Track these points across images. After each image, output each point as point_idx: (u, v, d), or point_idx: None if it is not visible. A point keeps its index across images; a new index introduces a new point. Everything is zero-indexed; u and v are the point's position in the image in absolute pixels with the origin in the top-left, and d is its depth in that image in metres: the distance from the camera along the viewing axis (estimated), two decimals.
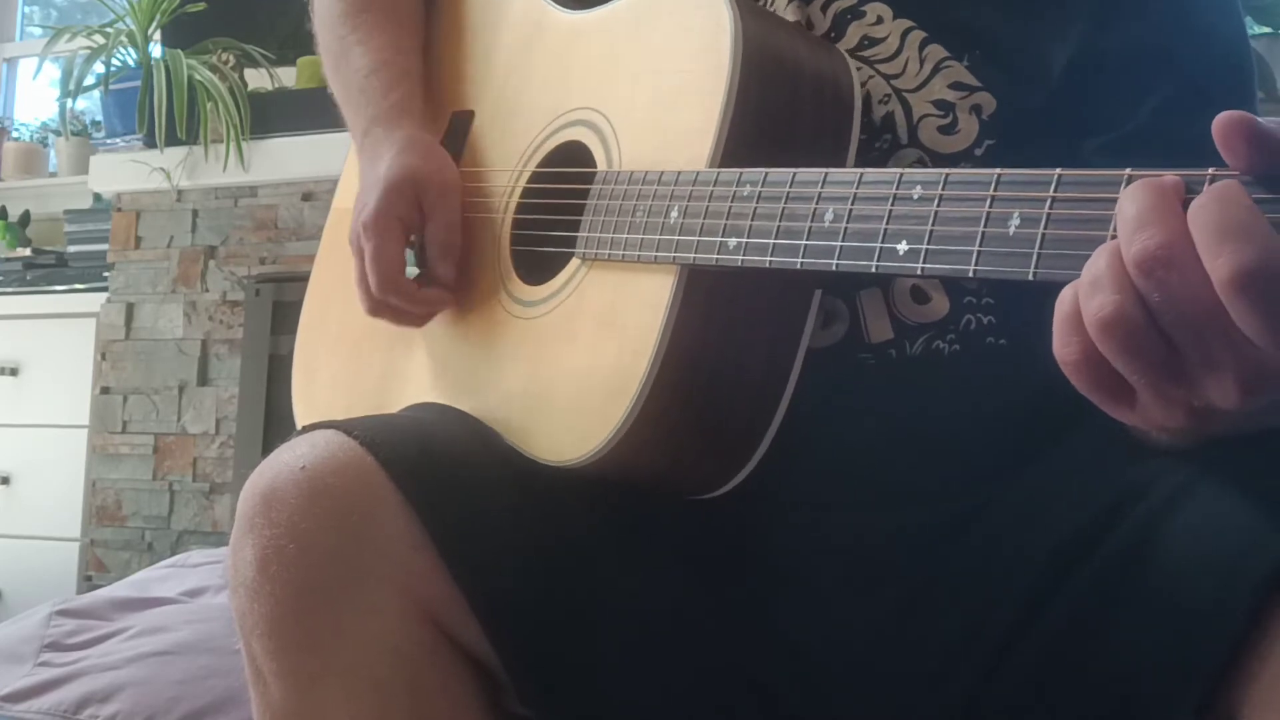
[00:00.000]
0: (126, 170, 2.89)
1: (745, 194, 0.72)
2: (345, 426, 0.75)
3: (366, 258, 0.94)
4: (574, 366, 0.82)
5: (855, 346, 0.82)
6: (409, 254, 1.02)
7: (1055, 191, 0.56)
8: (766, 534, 0.84)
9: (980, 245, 0.58)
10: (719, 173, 0.75)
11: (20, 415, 3.03)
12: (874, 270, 0.64)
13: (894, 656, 0.79)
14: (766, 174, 0.72)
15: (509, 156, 0.96)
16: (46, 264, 3.24)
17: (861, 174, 0.66)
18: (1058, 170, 0.56)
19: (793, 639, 0.81)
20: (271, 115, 2.77)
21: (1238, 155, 0.49)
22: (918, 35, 0.84)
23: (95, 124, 3.33)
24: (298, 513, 0.71)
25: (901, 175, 0.64)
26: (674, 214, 0.76)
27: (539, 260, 0.90)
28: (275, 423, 2.65)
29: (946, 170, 0.62)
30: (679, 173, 0.77)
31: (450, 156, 0.98)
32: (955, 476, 0.81)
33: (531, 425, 0.83)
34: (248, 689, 0.76)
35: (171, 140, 2.79)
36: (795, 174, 0.70)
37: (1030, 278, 0.56)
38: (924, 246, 0.61)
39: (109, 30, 2.91)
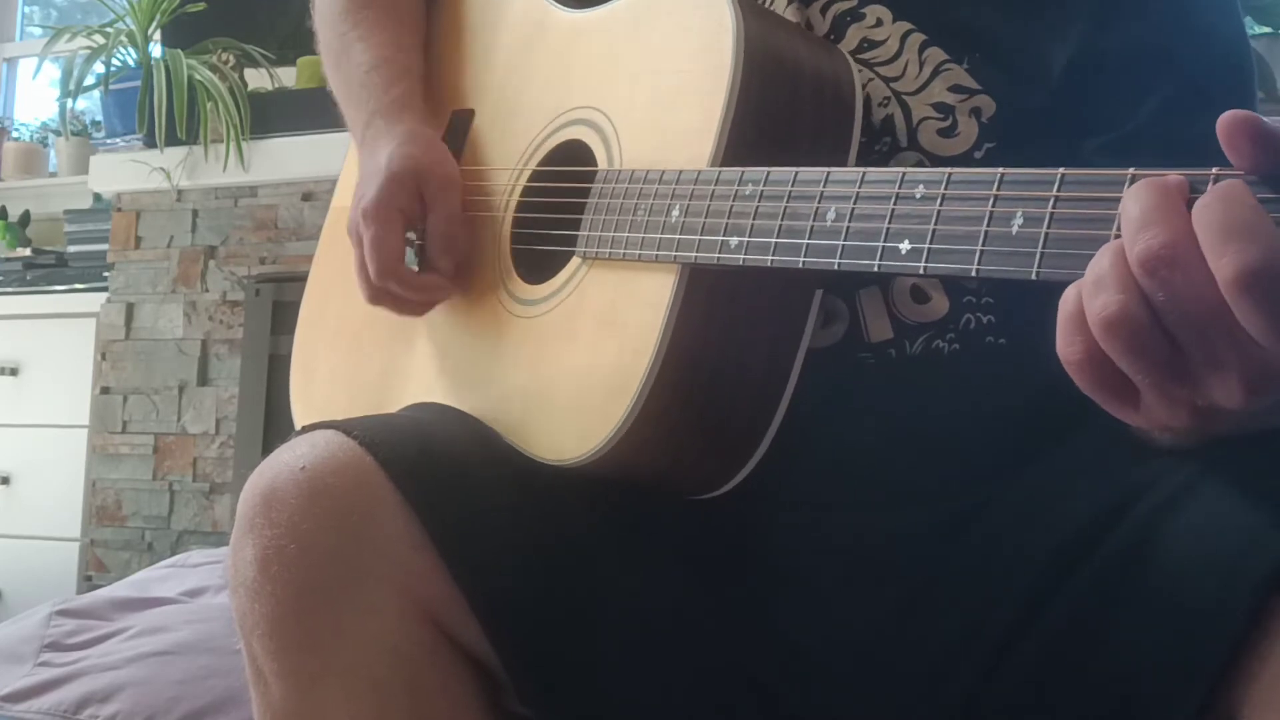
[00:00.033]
0: (126, 170, 2.89)
1: (747, 193, 0.72)
2: (345, 427, 0.75)
3: (366, 244, 0.93)
4: (574, 365, 0.82)
5: (855, 346, 0.82)
6: (409, 253, 1.02)
7: (1058, 191, 0.56)
8: (766, 534, 0.84)
9: (983, 245, 0.58)
10: (721, 172, 0.75)
11: (20, 415, 3.03)
12: (876, 270, 0.64)
13: (894, 656, 0.79)
14: (769, 173, 0.72)
15: (509, 155, 0.96)
16: (46, 264, 3.24)
17: (864, 173, 0.66)
18: (1061, 170, 0.56)
19: (793, 639, 0.81)
20: (271, 115, 2.77)
21: (1242, 155, 0.49)
22: (917, 38, 0.84)
23: (95, 124, 3.33)
24: (298, 513, 0.71)
25: (904, 175, 0.64)
26: (675, 213, 0.76)
27: (539, 259, 0.90)
28: (275, 423, 2.65)
29: (949, 169, 0.62)
30: (680, 172, 0.77)
31: (451, 153, 0.98)
32: (955, 476, 0.81)
33: (532, 424, 0.83)
34: (248, 689, 0.76)
35: (171, 140, 2.79)
36: (797, 173, 0.70)
37: (1033, 277, 0.55)
38: (926, 246, 0.61)
39: (109, 30, 2.91)
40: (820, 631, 0.81)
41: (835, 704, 0.80)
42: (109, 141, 2.99)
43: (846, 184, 0.67)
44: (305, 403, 1.11)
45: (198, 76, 2.72)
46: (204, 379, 2.85)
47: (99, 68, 2.87)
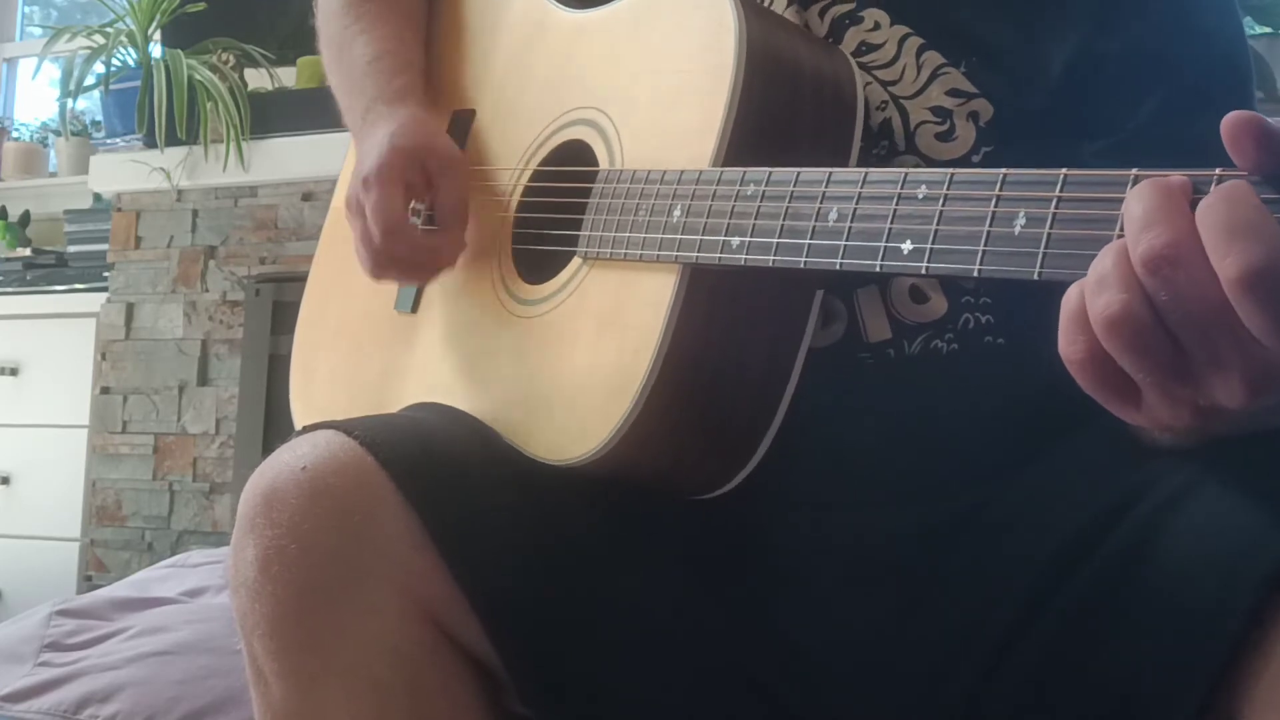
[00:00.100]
0: (126, 170, 2.89)
1: (749, 193, 0.72)
2: (346, 427, 0.75)
3: (369, 209, 0.92)
4: (575, 365, 0.82)
5: (854, 346, 0.82)
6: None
7: (1061, 191, 0.56)
8: (767, 534, 0.84)
9: (985, 245, 0.58)
10: (722, 172, 0.75)
11: (20, 415, 3.03)
12: (878, 270, 0.64)
13: (894, 656, 0.79)
14: (770, 173, 0.72)
15: (510, 155, 0.96)
16: (46, 264, 3.24)
17: (866, 173, 0.66)
18: (1063, 170, 0.56)
19: (793, 638, 0.81)
20: (271, 115, 2.77)
21: (1246, 155, 0.49)
22: (915, 41, 0.84)
23: (95, 124, 3.33)
24: (299, 513, 0.71)
25: (906, 175, 0.64)
26: (677, 213, 0.76)
27: (540, 259, 0.90)
28: (275, 423, 2.65)
29: (951, 170, 0.62)
30: (682, 172, 0.77)
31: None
32: (955, 476, 0.81)
33: (532, 424, 0.83)
34: (248, 689, 0.76)
35: (171, 140, 2.79)
36: (799, 173, 0.70)
37: (1035, 277, 0.56)
38: (928, 246, 0.61)
39: (109, 30, 2.91)
40: (820, 631, 0.81)
41: (835, 704, 0.80)
42: (109, 141, 2.99)
43: (848, 184, 0.67)
44: (305, 403, 1.11)
45: (198, 76, 2.72)
46: (204, 379, 2.85)
47: (99, 68, 2.86)
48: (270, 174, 2.77)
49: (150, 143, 2.84)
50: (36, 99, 3.94)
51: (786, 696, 0.81)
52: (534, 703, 0.75)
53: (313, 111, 2.58)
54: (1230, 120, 0.49)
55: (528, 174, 0.94)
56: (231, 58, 2.82)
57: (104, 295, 2.97)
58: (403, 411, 0.89)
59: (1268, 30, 2.42)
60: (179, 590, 1.55)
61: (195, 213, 2.89)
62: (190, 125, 2.74)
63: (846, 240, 0.66)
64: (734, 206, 0.73)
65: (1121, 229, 0.52)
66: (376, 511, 0.72)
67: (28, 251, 3.33)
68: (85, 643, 1.32)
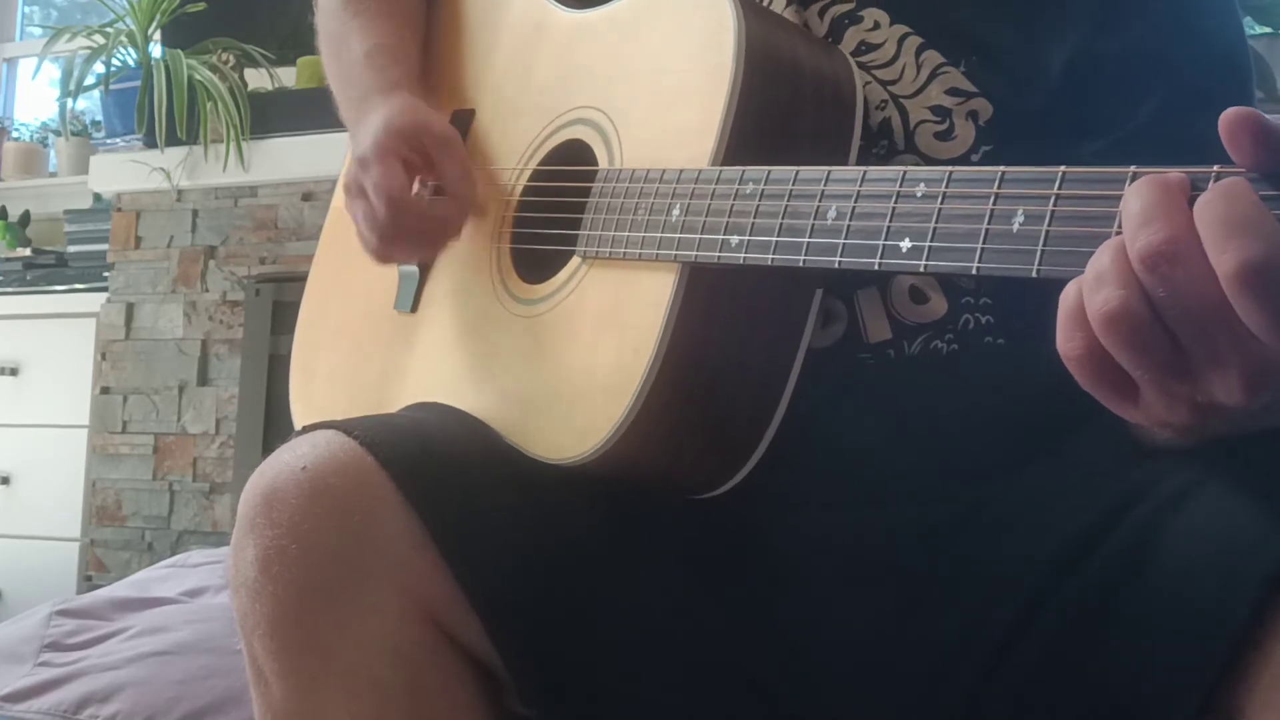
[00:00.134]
0: (126, 170, 2.89)
1: (748, 192, 0.72)
2: (346, 427, 0.75)
3: (371, 187, 0.92)
4: (574, 365, 0.82)
5: (854, 346, 0.82)
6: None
7: (1059, 189, 0.56)
8: (766, 533, 0.84)
9: (984, 242, 0.58)
10: (721, 171, 0.75)
11: (20, 415, 3.03)
12: (877, 268, 0.64)
13: (894, 656, 0.79)
14: (769, 172, 0.72)
15: (510, 155, 0.96)
16: (46, 264, 3.24)
17: (865, 172, 0.66)
18: (1062, 168, 0.56)
19: (793, 638, 0.81)
20: (271, 115, 2.77)
21: (1244, 152, 0.49)
22: (914, 41, 0.84)
23: (95, 124, 3.33)
24: (299, 513, 0.71)
25: (905, 173, 0.64)
26: (676, 212, 0.76)
27: (539, 258, 0.90)
28: (275, 423, 2.65)
29: (950, 168, 0.62)
30: (681, 171, 0.77)
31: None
32: (955, 476, 0.81)
33: (532, 423, 0.83)
34: (248, 689, 0.76)
35: (171, 140, 2.79)
36: (798, 172, 0.70)
37: (1034, 274, 0.56)
38: (927, 244, 0.61)
39: (109, 30, 2.91)
40: (820, 631, 0.81)
41: (835, 704, 0.80)
42: (109, 141, 2.99)
43: (847, 182, 0.67)
44: (305, 403, 1.11)
45: (198, 76, 2.72)
46: (204, 379, 2.85)
47: (99, 68, 2.87)
48: (270, 174, 2.77)
49: (150, 143, 2.84)
50: (36, 99, 3.94)
51: (786, 696, 0.81)
52: (534, 703, 0.75)
53: (313, 111, 2.58)
54: (1228, 117, 0.49)
55: (527, 174, 0.94)
56: (231, 58, 2.82)
57: (104, 295, 2.98)
58: (403, 411, 0.89)
59: (1268, 30, 2.42)
60: (179, 590, 1.55)
61: (195, 213, 2.89)
62: (190, 125, 2.74)
63: (845, 238, 0.66)
64: (733, 205, 0.73)
65: (1120, 226, 0.52)
66: (376, 511, 0.72)
67: (28, 251, 3.33)
68: (85, 643, 1.32)
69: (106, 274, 2.99)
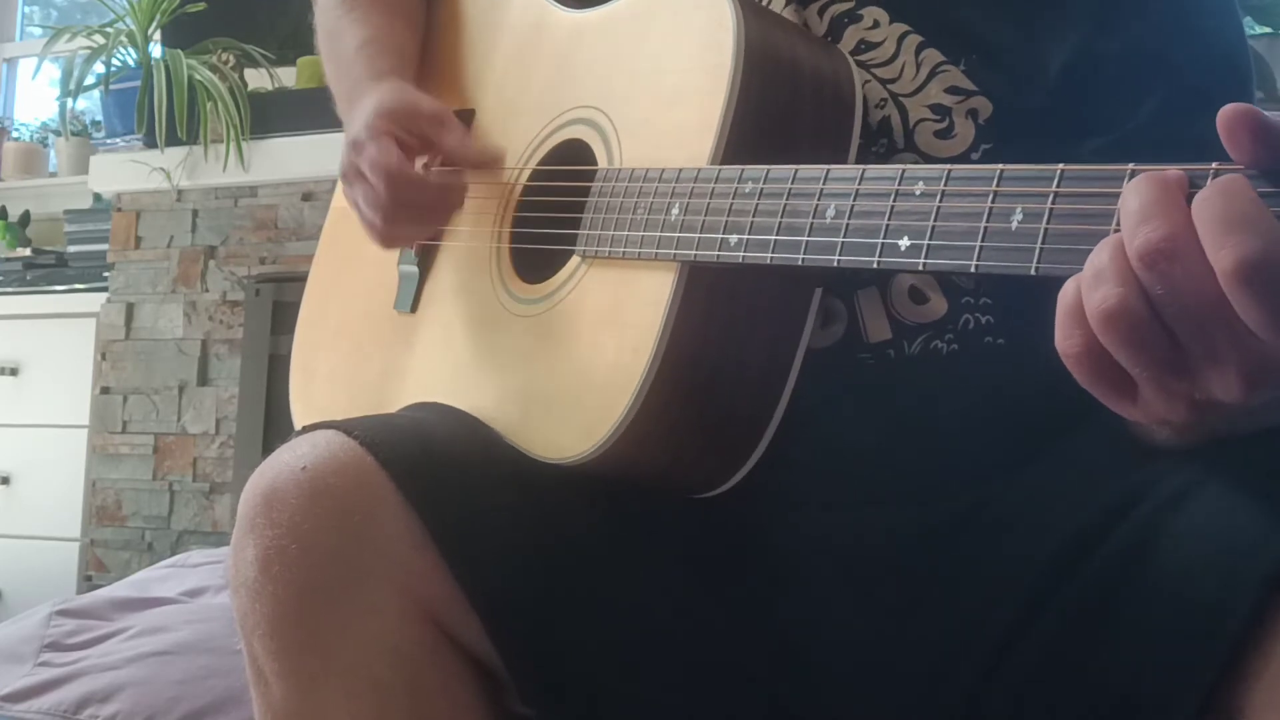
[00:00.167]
0: (126, 170, 2.89)
1: (747, 191, 0.72)
2: (346, 426, 0.75)
3: (368, 165, 0.91)
4: (574, 364, 0.82)
5: (854, 346, 0.82)
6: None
7: (1058, 186, 0.56)
8: (766, 533, 0.84)
9: (982, 240, 0.58)
10: (720, 170, 0.75)
11: (20, 415, 3.03)
12: (875, 266, 0.64)
13: (894, 656, 0.79)
14: (768, 171, 0.72)
15: (510, 155, 0.96)
16: (46, 264, 3.24)
17: (863, 170, 0.66)
18: (1060, 165, 0.56)
19: (793, 638, 0.81)
20: (271, 115, 2.77)
21: (1242, 148, 0.49)
22: (914, 39, 0.84)
23: (95, 124, 3.33)
24: (299, 513, 0.71)
25: (904, 171, 0.64)
26: (675, 211, 0.76)
27: (539, 258, 0.90)
28: (275, 423, 2.65)
29: (949, 166, 0.62)
30: (680, 170, 0.77)
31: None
32: (955, 476, 0.81)
33: (532, 423, 0.83)
34: (248, 689, 0.76)
35: (171, 140, 2.79)
36: (797, 171, 0.70)
37: (1033, 272, 0.56)
38: (926, 242, 0.61)
39: (109, 30, 2.91)
40: (820, 631, 0.81)
41: (835, 704, 0.80)
42: (109, 141, 2.99)
43: (846, 181, 0.67)
44: (305, 403, 1.11)
45: (198, 76, 2.72)
46: (204, 379, 2.85)
47: (99, 68, 2.87)
48: (270, 174, 2.77)
49: (150, 143, 2.84)
50: (36, 99, 3.94)
51: (786, 696, 0.81)
52: (534, 703, 0.75)
53: (313, 111, 2.58)
54: (1226, 113, 0.49)
55: (527, 173, 0.94)
56: (231, 58, 2.82)
57: (104, 295, 2.98)
58: (403, 411, 0.89)
59: (1268, 30, 2.42)
60: (179, 590, 1.55)
61: (195, 213, 2.89)
62: (190, 125, 2.74)
63: (844, 237, 0.66)
64: (732, 204, 0.73)
65: (1118, 223, 0.52)
66: (376, 511, 0.72)
67: (28, 251, 3.33)
68: (85, 643, 1.32)
69: (106, 274, 2.99)
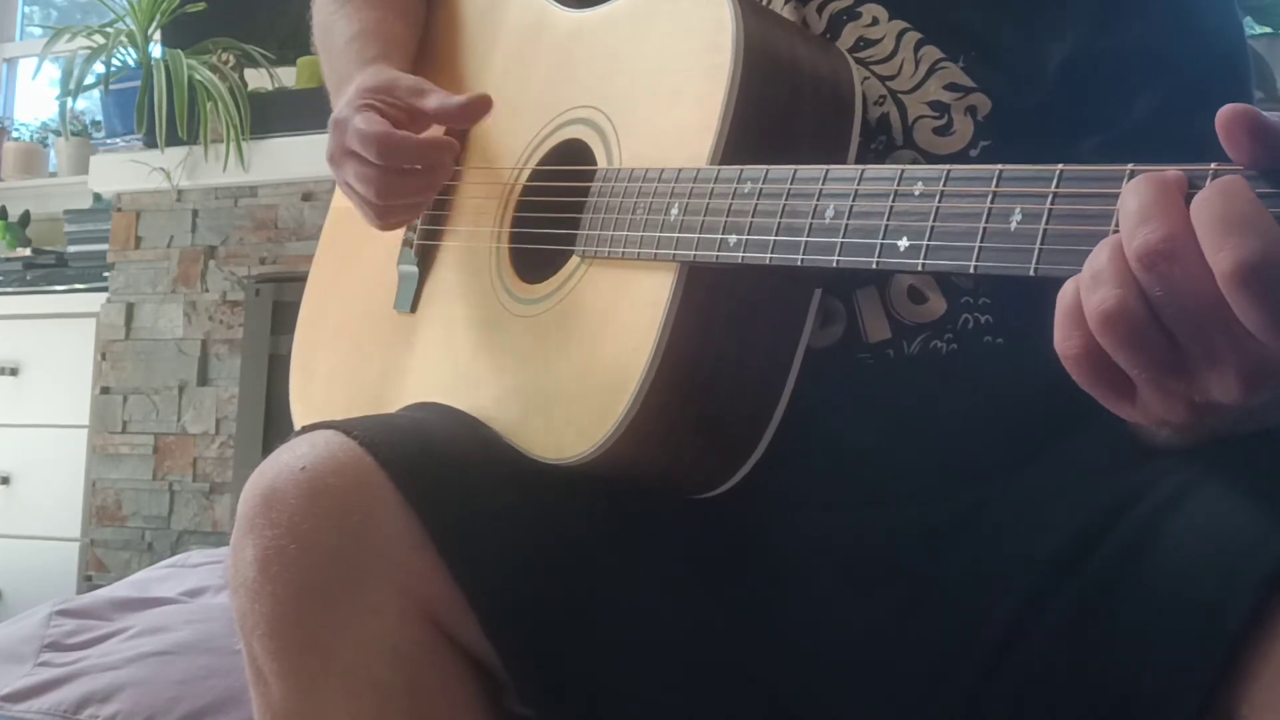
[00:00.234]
0: (126, 170, 2.89)
1: (746, 191, 0.72)
2: (345, 427, 0.75)
3: (356, 139, 0.90)
4: (573, 364, 0.82)
5: (853, 346, 0.82)
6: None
7: (1057, 187, 0.56)
8: (766, 533, 0.84)
9: (981, 241, 0.58)
10: (720, 170, 0.75)
11: (20, 415, 3.03)
12: (874, 267, 0.64)
13: (894, 656, 0.79)
14: (767, 171, 0.72)
15: (509, 155, 0.96)
16: (46, 264, 3.24)
17: (863, 171, 0.66)
18: (1059, 166, 0.56)
19: (793, 638, 0.81)
20: (271, 115, 2.77)
21: (1241, 149, 0.49)
22: (913, 36, 0.84)
23: (95, 124, 3.33)
24: (298, 513, 0.71)
25: (903, 172, 0.64)
26: (674, 211, 0.76)
27: (538, 258, 0.90)
28: (275, 423, 2.65)
29: (948, 166, 0.62)
30: (679, 170, 0.77)
31: None
32: (955, 475, 0.81)
33: (531, 423, 0.83)
34: (248, 689, 0.76)
35: (171, 140, 2.79)
36: (796, 171, 0.70)
37: (1032, 273, 0.55)
38: (925, 243, 0.61)
39: (109, 30, 2.91)
40: (820, 631, 0.81)
41: (835, 704, 0.80)
42: (109, 141, 2.99)
43: (845, 181, 0.67)
44: (305, 403, 1.11)
45: (198, 76, 2.73)
46: (204, 379, 2.85)
47: (99, 68, 2.87)
48: (270, 174, 2.77)
49: (150, 143, 2.84)
50: (36, 99, 3.94)
51: (786, 696, 0.81)
52: (534, 703, 0.74)
53: (313, 111, 2.57)
54: (1225, 114, 0.49)
55: (526, 173, 0.94)
56: (231, 58, 2.82)
57: (104, 295, 2.98)
58: (402, 411, 0.89)
59: (1268, 30, 2.42)
60: (179, 590, 1.55)
61: (195, 213, 2.90)
62: (190, 125, 2.74)
63: (843, 238, 0.66)
64: (731, 205, 0.73)
65: (1117, 224, 0.52)
66: (376, 511, 0.72)
67: (28, 251, 3.33)
68: (85, 643, 1.32)
69: (106, 274, 2.99)
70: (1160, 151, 0.54)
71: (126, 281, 2.95)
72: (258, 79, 2.90)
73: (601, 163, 0.86)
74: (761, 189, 0.71)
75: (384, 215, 0.94)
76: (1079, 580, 0.70)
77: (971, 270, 0.58)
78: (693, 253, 0.75)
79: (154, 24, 2.89)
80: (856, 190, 0.66)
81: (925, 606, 0.79)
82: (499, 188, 0.96)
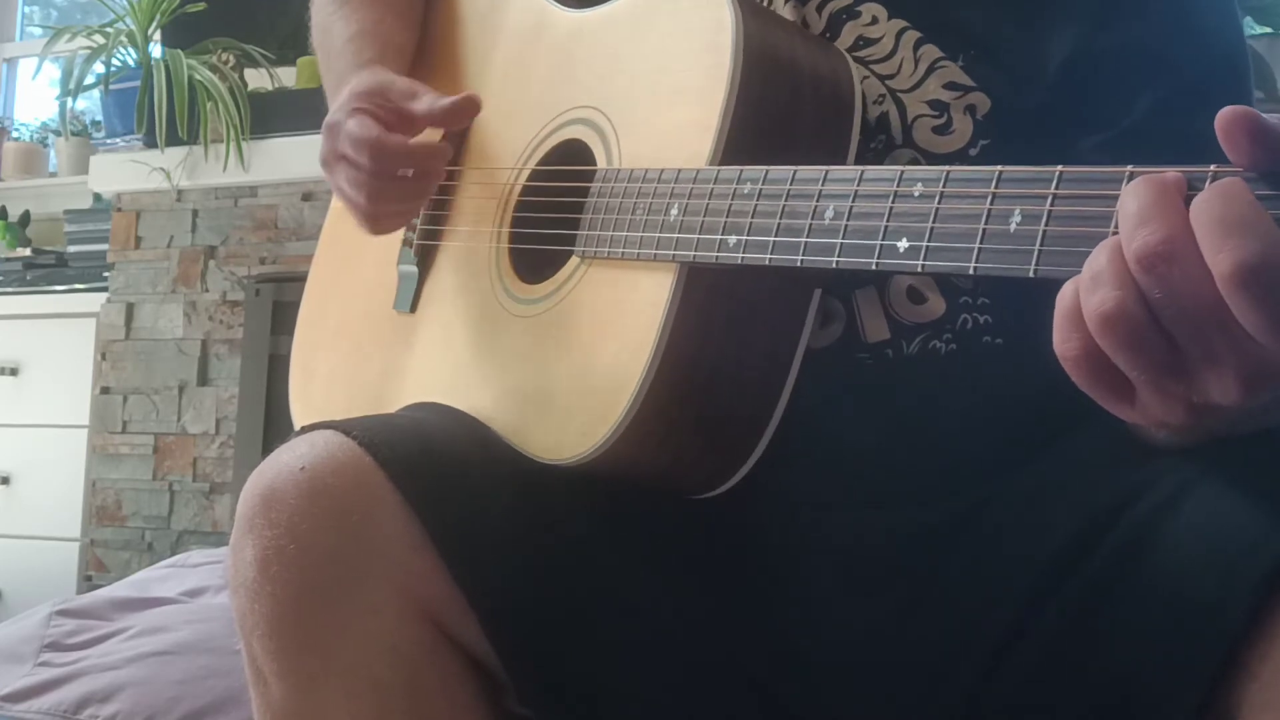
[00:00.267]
0: (126, 170, 2.89)
1: (746, 192, 0.72)
2: (344, 427, 0.75)
3: (348, 143, 0.90)
4: (573, 364, 0.82)
5: (852, 346, 0.82)
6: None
7: (1057, 188, 0.56)
8: (766, 533, 0.84)
9: (981, 242, 0.58)
10: (719, 170, 0.75)
11: (20, 415, 3.03)
12: (874, 268, 0.64)
13: (894, 656, 0.79)
14: (767, 172, 0.72)
15: (509, 155, 0.96)
16: (46, 264, 3.24)
17: (862, 171, 0.66)
18: (1059, 167, 0.56)
19: (793, 638, 0.81)
20: (271, 115, 2.77)
21: (1240, 150, 0.49)
22: (912, 35, 0.84)
23: (95, 124, 3.33)
24: (298, 513, 0.71)
25: (903, 173, 0.64)
26: (674, 212, 0.76)
27: (538, 259, 0.90)
28: (275, 423, 2.65)
29: (948, 168, 0.62)
30: (679, 171, 0.77)
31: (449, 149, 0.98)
32: (954, 476, 0.81)
33: (531, 423, 0.83)
34: (248, 689, 0.76)
35: (171, 140, 2.79)
36: (796, 171, 0.70)
37: (1031, 274, 0.56)
38: (924, 244, 0.61)
39: (109, 30, 2.91)
40: (820, 631, 0.81)
41: (835, 704, 0.80)
42: (109, 141, 2.99)
43: (845, 182, 0.67)
44: (305, 403, 1.11)
45: (198, 76, 2.73)
46: (204, 379, 2.85)
47: (99, 68, 2.87)
48: (270, 174, 2.77)
49: (150, 143, 2.84)
50: (36, 99, 3.94)
51: (786, 696, 0.81)
52: (534, 703, 0.75)
53: (313, 111, 2.54)
54: (1224, 115, 0.49)
55: (526, 174, 0.94)
56: (231, 58, 2.82)
57: (104, 295, 2.98)
58: (402, 411, 0.89)
59: (1268, 30, 2.41)
60: (179, 590, 1.55)
61: (195, 213, 2.90)
62: (190, 125, 2.74)
63: (843, 238, 0.66)
64: (731, 205, 0.73)
65: (1116, 226, 0.52)
66: (375, 511, 0.72)
67: (28, 251, 3.33)
68: (85, 643, 1.32)
69: (106, 274, 2.99)
70: (1160, 151, 0.54)
71: (126, 281, 2.95)
72: (258, 79, 2.90)
73: (601, 163, 0.86)
74: (761, 189, 0.71)
75: (376, 220, 0.94)
76: (1079, 580, 0.70)
77: (971, 271, 0.58)
78: (692, 253, 0.75)
79: (154, 24, 2.89)
80: (856, 191, 0.66)
81: (925, 607, 0.79)
82: (499, 188, 0.96)
